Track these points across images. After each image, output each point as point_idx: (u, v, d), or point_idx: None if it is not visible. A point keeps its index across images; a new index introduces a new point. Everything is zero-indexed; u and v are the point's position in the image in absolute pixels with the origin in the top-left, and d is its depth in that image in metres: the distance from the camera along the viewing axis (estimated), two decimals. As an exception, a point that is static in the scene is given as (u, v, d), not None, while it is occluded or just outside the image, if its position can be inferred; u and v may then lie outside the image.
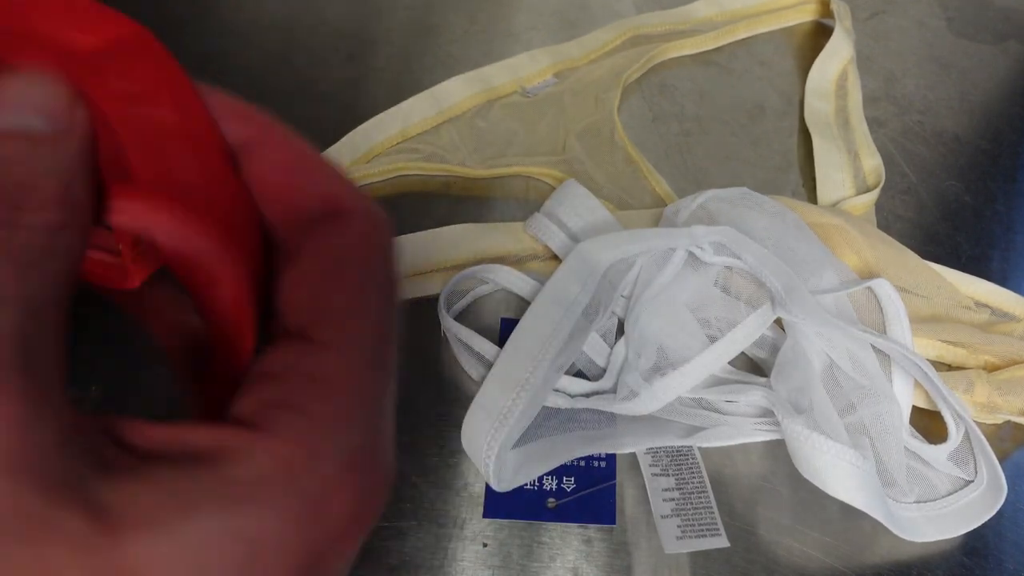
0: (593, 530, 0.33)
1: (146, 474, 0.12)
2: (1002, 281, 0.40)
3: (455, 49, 0.52)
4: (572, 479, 0.34)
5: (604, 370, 0.36)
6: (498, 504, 0.33)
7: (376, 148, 0.46)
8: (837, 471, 0.31)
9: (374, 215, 0.16)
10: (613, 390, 0.35)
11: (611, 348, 0.36)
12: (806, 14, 0.55)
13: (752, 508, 0.34)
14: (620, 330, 0.37)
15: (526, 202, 0.44)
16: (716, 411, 0.36)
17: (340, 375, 0.14)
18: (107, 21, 0.15)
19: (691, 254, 0.37)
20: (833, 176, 0.45)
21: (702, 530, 0.32)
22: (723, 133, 0.48)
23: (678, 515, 0.33)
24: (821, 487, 0.31)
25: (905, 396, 0.35)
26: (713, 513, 0.33)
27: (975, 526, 0.33)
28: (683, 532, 0.32)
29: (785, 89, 0.51)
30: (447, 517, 0.33)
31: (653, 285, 0.37)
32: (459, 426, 0.33)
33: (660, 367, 0.35)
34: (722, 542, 0.32)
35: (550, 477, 0.34)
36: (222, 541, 0.12)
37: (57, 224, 0.13)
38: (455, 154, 0.45)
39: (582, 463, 0.34)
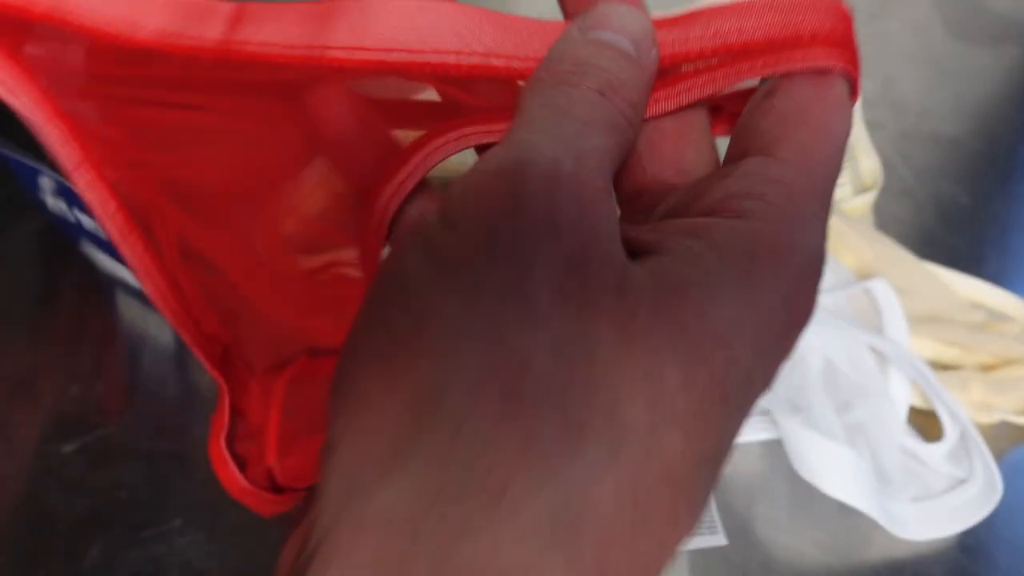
0: (592, 527, 0.33)
1: (667, 249, 0.14)
2: (998, 282, 0.41)
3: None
4: (572, 477, 0.34)
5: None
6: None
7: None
8: (833, 470, 0.31)
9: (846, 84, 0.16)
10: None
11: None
12: (804, 17, 0.55)
13: (749, 506, 0.34)
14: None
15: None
16: (715, 410, 0.36)
17: (802, 186, 0.15)
18: None
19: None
20: (831, 177, 0.45)
21: (700, 528, 0.33)
22: (722, 134, 0.48)
23: (677, 512, 0.33)
24: (818, 486, 0.31)
25: (902, 396, 0.35)
26: (711, 511, 0.33)
27: (970, 524, 0.33)
28: (682, 529, 0.32)
29: (783, 91, 0.51)
30: (448, 514, 0.33)
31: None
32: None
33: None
34: (720, 540, 0.32)
35: (550, 475, 0.34)
36: (731, 291, 0.13)
37: (627, 116, 0.15)
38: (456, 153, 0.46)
39: (582, 461, 0.34)
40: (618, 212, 0.17)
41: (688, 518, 0.13)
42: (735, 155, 0.16)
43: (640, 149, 0.17)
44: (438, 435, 0.12)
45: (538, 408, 0.12)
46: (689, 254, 0.13)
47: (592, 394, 0.12)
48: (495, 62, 0.16)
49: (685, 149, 0.17)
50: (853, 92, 0.16)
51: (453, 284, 0.13)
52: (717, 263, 0.13)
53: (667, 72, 0.16)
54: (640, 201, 0.16)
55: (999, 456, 0.36)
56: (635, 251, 0.14)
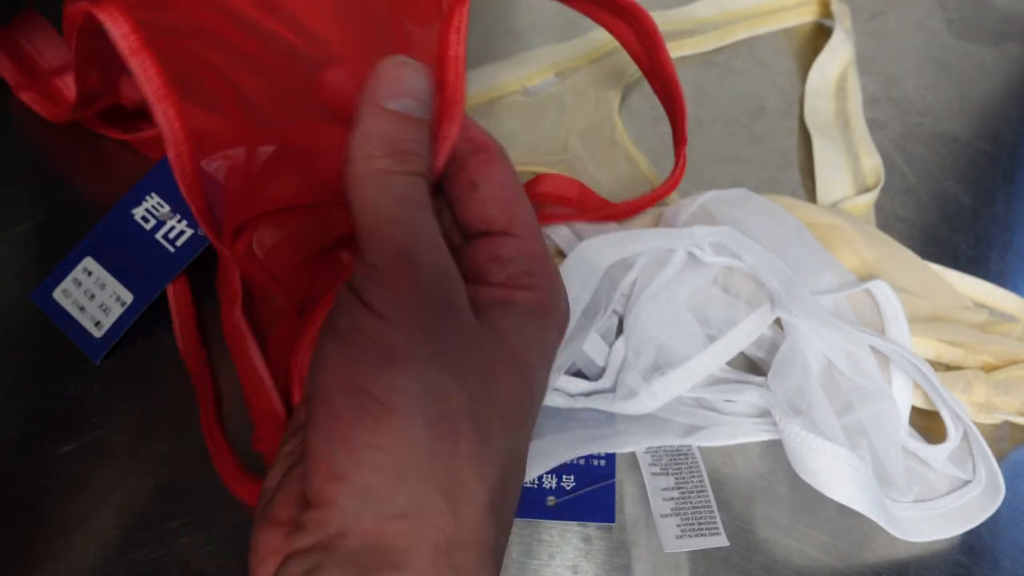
0: (592, 528, 0.33)
1: (495, 311, 0.23)
2: (1000, 282, 0.40)
3: (456, 48, 0.52)
4: (572, 477, 0.34)
5: (603, 369, 0.36)
6: (498, 502, 0.33)
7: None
8: (834, 473, 0.31)
9: (498, 145, 0.25)
10: (612, 389, 0.35)
11: (610, 347, 0.36)
12: (806, 15, 0.55)
13: (751, 507, 0.34)
14: (619, 329, 0.38)
15: (526, 201, 0.44)
16: (715, 411, 0.36)
17: (541, 252, 0.24)
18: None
19: (691, 254, 0.37)
20: (833, 176, 0.45)
21: (702, 529, 0.33)
22: (723, 133, 0.48)
23: (677, 514, 0.33)
24: (818, 488, 0.31)
25: (904, 397, 0.35)
26: (712, 512, 0.33)
27: (973, 526, 0.33)
28: (683, 531, 0.32)
29: (785, 89, 0.51)
30: (447, 515, 0.33)
31: (653, 284, 0.37)
32: (459, 424, 0.33)
33: (659, 366, 0.35)
34: (721, 541, 0.32)
35: (550, 475, 0.34)
36: (536, 333, 0.23)
37: (429, 170, 0.22)
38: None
39: (582, 462, 0.34)
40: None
41: (515, 454, 0.22)
42: (471, 227, 0.25)
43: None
44: (418, 465, 0.20)
45: (453, 416, 0.20)
46: (507, 314, 0.23)
47: (470, 393, 0.20)
48: None
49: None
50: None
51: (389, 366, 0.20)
52: (523, 319, 0.23)
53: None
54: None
55: (1002, 457, 0.36)
56: (474, 305, 0.22)
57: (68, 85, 0.44)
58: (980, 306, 0.40)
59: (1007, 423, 0.37)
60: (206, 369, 0.36)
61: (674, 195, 0.44)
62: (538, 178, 0.41)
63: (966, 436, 0.34)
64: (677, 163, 0.39)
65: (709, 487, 0.34)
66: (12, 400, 0.35)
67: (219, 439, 0.34)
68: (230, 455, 0.34)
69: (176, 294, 0.37)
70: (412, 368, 0.20)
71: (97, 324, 0.36)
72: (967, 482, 0.34)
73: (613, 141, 0.46)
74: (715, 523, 0.33)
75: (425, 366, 0.20)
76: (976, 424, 0.35)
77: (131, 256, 0.37)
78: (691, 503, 0.33)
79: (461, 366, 0.20)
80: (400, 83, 0.22)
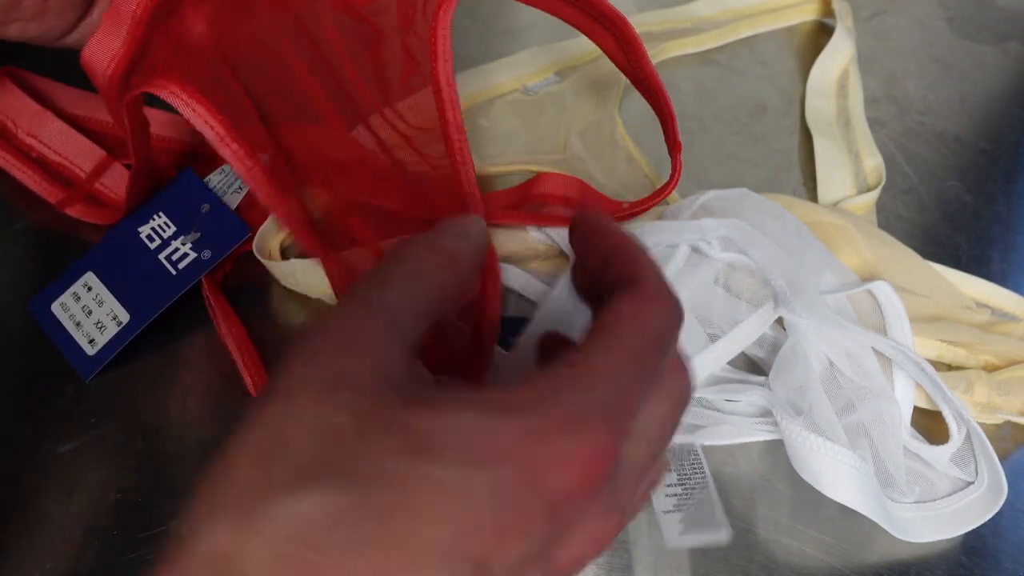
0: (593, 529, 0.33)
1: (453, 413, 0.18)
2: (1002, 281, 0.40)
3: (456, 47, 0.52)
4: (572, 477, 0.34)
5: (604, 369, 0.36)
6: (498, 502, 0.33)
7: (377, 145, 0.45)
8: (835, 474, 0.31)
9: (662, 288, 0.22)
10: (613, 389, 0.35)
11: (611, 347, 0.36)
12: (807, 13, 0.55)
13: (752, 507, 0.34)
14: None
15: (527, 200, 0.44)
16: (717, 410, 0.36)
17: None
18: None
19: (696, 250, 0.37)
20: (834, 175, 0.45)
21: (704, 525, 0.32)
22: (724, 132, 0.48)
23: (680, 510, 0.33)
24: (819, 489, 0.31)
25: (906, 397, 0.35)
26: (715, 508, 0.33)
27: (974, 527, 0.33)
28: (685, 527, 0.32)
29: (786, 88, 0.51)
30: (447, 515, 0.33)
31: (654, 284, 0.37)
32: (460, 424, 0.33)
33: (660, 366, 0.35)
34: (725, 536, 0.32)
35: (550, 475, 0.34)
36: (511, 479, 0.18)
37: (467, 284, 0.24)
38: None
39: (582, 461, 0.34)
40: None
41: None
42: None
43: None
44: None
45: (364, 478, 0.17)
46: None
47: (400, 470, 0.17)
48: None
49: None
50: None
51: (326, 403, 0.18)
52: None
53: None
54: None
55: (1003, 457, 0.36)
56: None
57: (108, 187, 0.41)
58: (982, 306, 0.40)
59: (1009, 423, 0.37)
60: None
61: (674, 194, 0.44)
62: (539, 177, 0.40)
63: (968, 436, 0.34)
64: (674, 169, 0.38)
65: (712, 482, 0.34)
66: (10, 400, 0.35)
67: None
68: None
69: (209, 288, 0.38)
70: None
71: (91, 342, 0.36)
72: (969, 483, 0.34)
73: (613, 140, 0.46)
74: (718, 518, 0.33)
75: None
76: (977, 424, 0.35)
77: (132, 275, 0.36)
78: (693, 499, 0.33)
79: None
80: (459, 224, 0.25)
